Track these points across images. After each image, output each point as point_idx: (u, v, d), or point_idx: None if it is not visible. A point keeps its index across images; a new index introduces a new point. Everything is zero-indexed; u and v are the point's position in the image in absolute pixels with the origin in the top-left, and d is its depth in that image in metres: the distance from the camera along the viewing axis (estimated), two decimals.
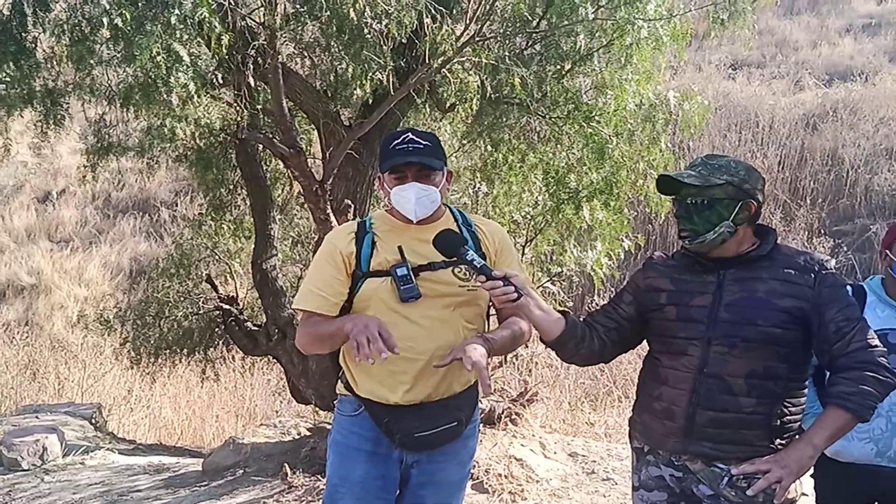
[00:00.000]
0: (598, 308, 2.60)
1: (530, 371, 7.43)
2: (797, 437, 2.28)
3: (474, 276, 2.39)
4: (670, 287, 2.41)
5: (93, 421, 7.57)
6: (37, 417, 7.39)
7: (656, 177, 2.34)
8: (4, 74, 4.34)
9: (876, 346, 2.20)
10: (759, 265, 2.32)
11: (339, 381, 2.62)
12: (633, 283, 2.53)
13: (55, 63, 4.58)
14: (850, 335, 2.20)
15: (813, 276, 2.26)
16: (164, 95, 3.99)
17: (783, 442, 2.26)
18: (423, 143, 2.49)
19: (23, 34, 4.16)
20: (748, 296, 2.28)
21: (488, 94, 4.54)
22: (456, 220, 2.61)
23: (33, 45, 4.29)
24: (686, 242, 2.34)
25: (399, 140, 2.49)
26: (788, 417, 2.28)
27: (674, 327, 2.36)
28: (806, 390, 2.36)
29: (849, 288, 2.88)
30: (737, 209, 2.31)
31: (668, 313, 2.38)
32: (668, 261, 2.50)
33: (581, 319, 2.49)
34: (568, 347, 2.42)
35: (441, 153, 2.56)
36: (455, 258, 2.39)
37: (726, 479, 2.26)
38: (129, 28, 3.52)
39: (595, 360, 2.53)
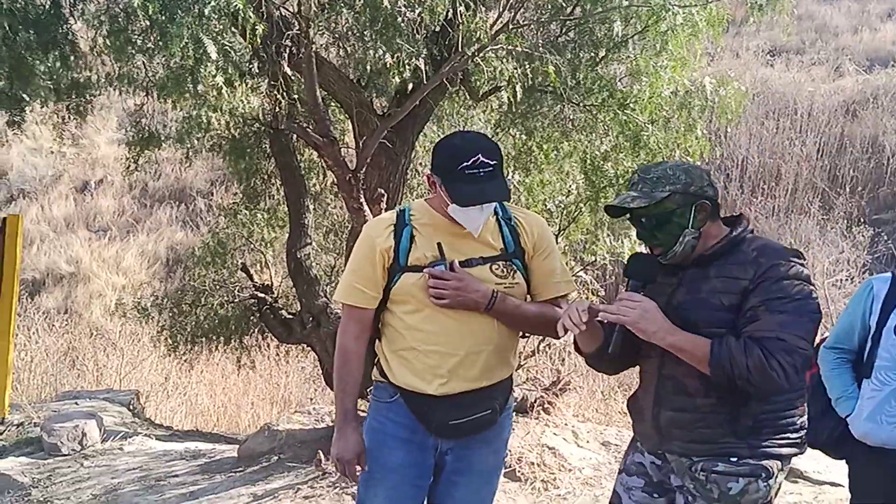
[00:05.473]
0: None
1: (562, 360, 7.40)
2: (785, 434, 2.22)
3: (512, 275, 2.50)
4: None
5: (131, 407, 7.68)
6: (76, 403, 7.51)
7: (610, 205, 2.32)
8: (45, 67, 4.40)
9: (783, 339, 2.06)
10: (714, 263, 2.25)
11: (375, 367, 2.63)
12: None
13: (94, 54, 4.64)
14: (761, 320, 2.10)
15: (755, 269, 2.16)
16: (193, 87, 4.03)
17: (764, 442, 2.20)
18: (492, 162, 2.37)
19: (63, 26, 4.22)
20: (692, 297, 2.24)
21: (525, 82, 4.51)
22: (496, 213, 2.57)
23: (72, 37, 4.35)
24: (662, 259, 2.29)
25: (469, 163, 2.34)
26: (764, 416, 2.20)
27: None
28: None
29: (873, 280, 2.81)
30: (693, 214, 2.24)
31: None
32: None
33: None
34: (602, 359, 2.44)
35: (503, 163, 2.49)
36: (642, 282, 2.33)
37: (689, 470, 2.28)
38: (161, 17, 3.56)
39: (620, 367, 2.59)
